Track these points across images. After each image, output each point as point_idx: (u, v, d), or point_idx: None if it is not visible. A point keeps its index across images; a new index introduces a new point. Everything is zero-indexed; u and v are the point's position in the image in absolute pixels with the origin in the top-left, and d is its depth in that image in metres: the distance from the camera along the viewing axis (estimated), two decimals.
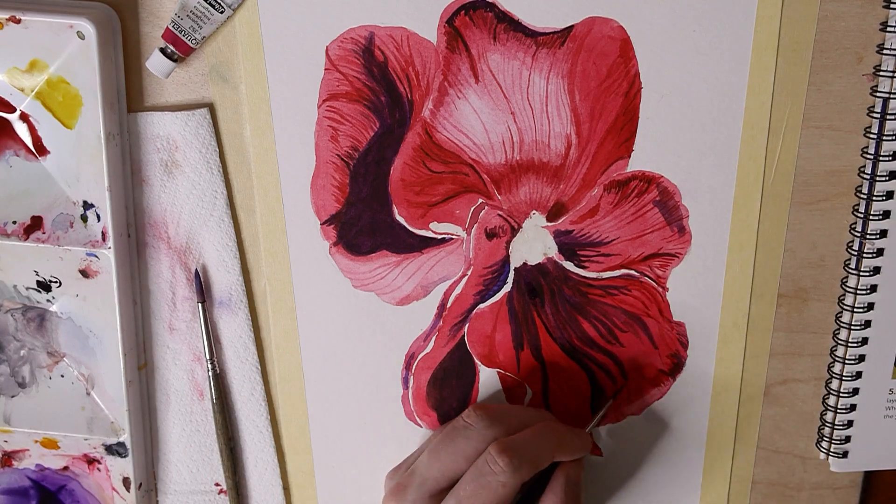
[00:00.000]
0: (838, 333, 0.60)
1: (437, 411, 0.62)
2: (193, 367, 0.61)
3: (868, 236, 0.57)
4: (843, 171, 0.57)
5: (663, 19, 0.54)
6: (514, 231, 0.58)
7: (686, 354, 0.61)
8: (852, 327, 0.59)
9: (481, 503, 0.52)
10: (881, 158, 0.56)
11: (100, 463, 0.61)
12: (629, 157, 0.57)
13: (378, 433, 0.63)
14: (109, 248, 0.56)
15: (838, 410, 0.61)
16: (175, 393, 0.61)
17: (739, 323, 0.60)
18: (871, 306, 0.59)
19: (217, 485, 0.63)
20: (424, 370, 0.61)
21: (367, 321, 0.60)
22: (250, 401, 0.62)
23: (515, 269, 0.59)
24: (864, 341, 0.60)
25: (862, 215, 0.57)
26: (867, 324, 0.59)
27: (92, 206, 0.56)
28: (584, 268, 0.59)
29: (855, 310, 0.59)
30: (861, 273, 0.58)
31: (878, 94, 0.55)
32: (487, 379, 0.62)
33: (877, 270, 0.58)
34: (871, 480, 0.65)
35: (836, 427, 0.62)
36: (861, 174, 0.57)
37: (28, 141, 0.55)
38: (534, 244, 0.59)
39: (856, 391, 0.61)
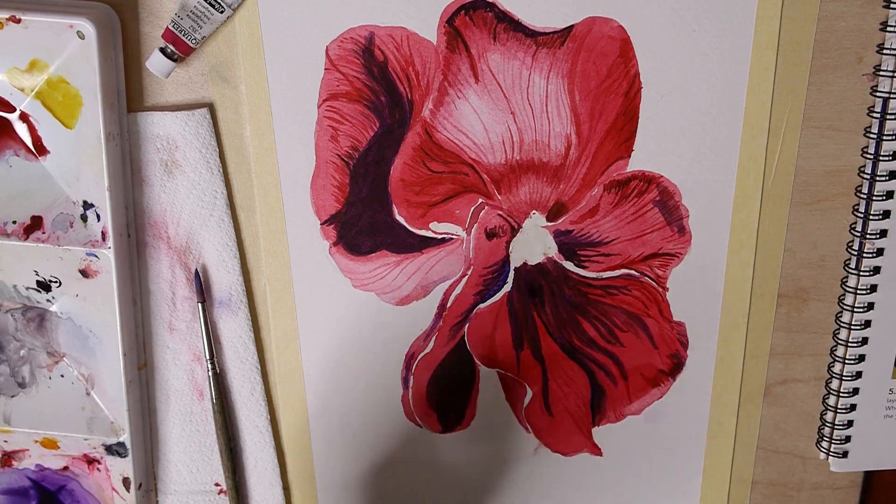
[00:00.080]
0: (838, 333, 0.60)
1: (437, 411, 0.62)
2: (193, 367, 0.61)
3: (868, 236, 0.57)
4: (843, 171, 0.57)
5: (663, 19, 0.54)
6: (514, 231, 0.58)
7: (686, 354, 0.61)
8: (852, 327, 0.59)
9: None
10: (881, 158, 0.56)
11: (100, 463, 0.61)
12: (629, 157, 0.57)
13: (378, 433, 0.63)
14: (109, 248, 0.56)
15: (838, 410, 0.61)
16: (175, 393, 0.61)
17: (739, 323, 0.60)
18: (871, 306, 0.59)
19: (217, 485, 0.63)
20: (424, 370, 0.61)
21: (367, 321, 0.60)
22: (250, 401, 0.62)
23: (515, 269, 0.59)
24: (864, 341, 0.60)
25: (862, 215, 0.57)
26: (867, 324, 0.59)
27: (92, 206, 0.56)
28: (584, 268, 0.59)
29: (855, 310, 0.59)
30: (861, 273, 0.58)
31: (878, 94, 0.55)
32: (487, 379, 0.62)
33: (877, 270, 0.58)
34: (871, 480, 0.65)
35: (836, 427, 0.62)
36: (861, 174, 0.57)
37: (28, 141, 0.55)
38: (534, 244, 0.59)
39: (856, 391, 0.61)
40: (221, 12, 0.53)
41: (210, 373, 0.60)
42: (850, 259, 0.59)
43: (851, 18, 0.54)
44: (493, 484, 0.64)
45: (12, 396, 0.61)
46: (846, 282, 0.59)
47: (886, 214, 0.57)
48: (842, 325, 0.60)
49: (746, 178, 0.57)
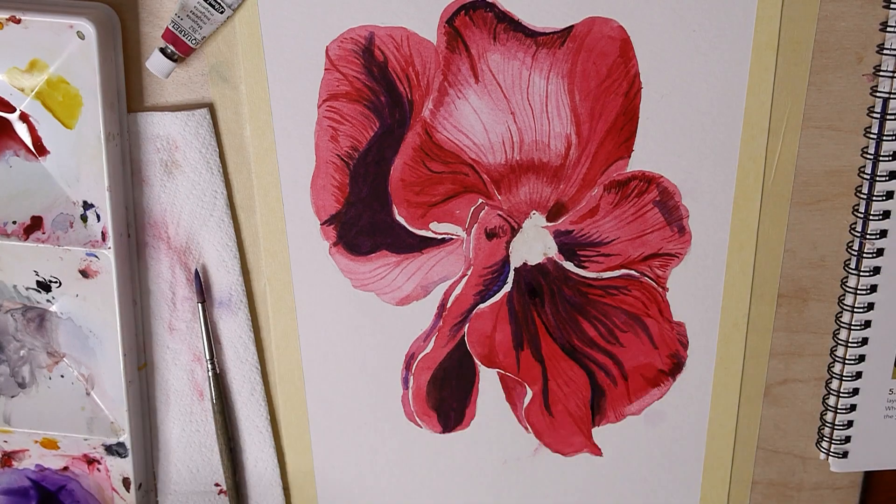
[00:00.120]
0: (838, 333, 0.60)
1: (437, 411, 0.62)
2: (193, 367, 0.61)
3: (868, 236, 0.57)
4: (843, 171, 0.57)
5: (663, 19, 0.54)
6: (514, 231, 0.58)
7: (686, 354, 0.61)
8: (852, 327, 0.59)
9: None
10: (881, 158, 0.56)
11: (100, 463, 0.61)
12: (629, 157, 0.57)
13: (378, 433, 0.63)
14: (109, 248, 0.56)
15: (838, 410, 0.61)
16: (175, 393, 0.61)
17: (739, 323, 0.60)
18: (871, 306, 0.59)
19: (217, 485, 0.63)
20: (424, 370, 0.61)
21: (367, 321, 0.60)
22: (250, 401, 0.62)
23: (515, 269, 0.59)
24: (864, 341, 0.60)
25: (862, 215, 0.57)
26: (867, 324, 0.59)
27: (92, 206, 0.56)
28: (584, 268, 0.59)
29: (855, 310, 0.59)
30: (861, 273, 0.58)
31: (878, 94, 0.55)
32: (487, 379, 0.62)
33: (877, 270, 0.58)
34: (871, 480, 0.65)
35: (836, 427, 0.62)
36: (861, 174, 0.57)
37: (28, 141, 0.55)
38: (534, 244, 0.59)
39: (856, 391, 0.61)
40: (221, 12, 0.53)
41: (210, 373, 0.60)
42: (850, 259, 0.59)
43: (851, 18, 0.54)
44: (493, 484, 0.64)
45: (12, 396, 0.61)
46: (846, 282, 0.59)
47: (886, 214, 0.57)
48: (842, 325, 0.60)
49: (746, 178, 0.57)
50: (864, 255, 0.58)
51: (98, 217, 0.56)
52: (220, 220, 0.58)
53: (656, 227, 0.58)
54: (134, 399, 0.59)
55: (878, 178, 0.56)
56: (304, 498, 0.64)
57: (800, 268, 0.59)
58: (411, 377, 0.62)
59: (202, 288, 0.59)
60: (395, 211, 0.58)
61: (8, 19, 0.52)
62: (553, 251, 0.59)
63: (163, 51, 0.54)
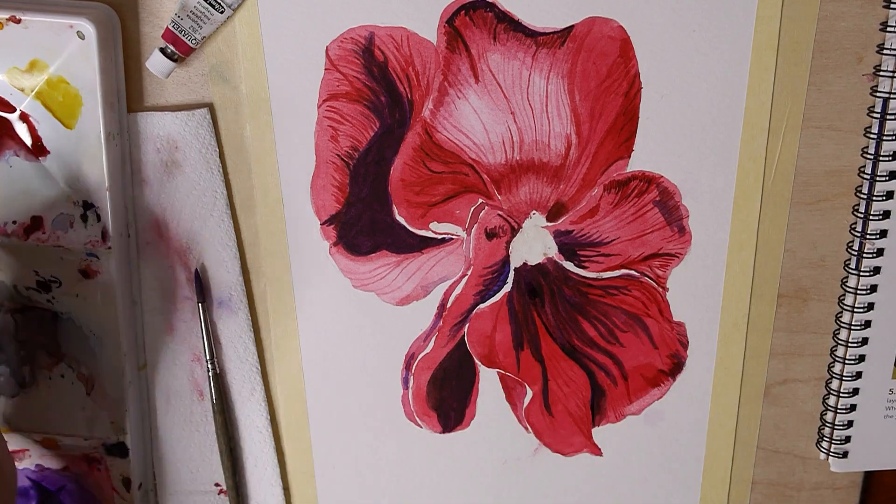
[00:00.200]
0: (838, 333, 0.60)
1: (437, 411, 0.62)
2: (193, 368, 0.61)
3: (868, 236, 0.57)
4: (843, 171, 0.57)
5: (663, 19, 0.54)
6: (514, 231, 0.58)
7: (686, 354, 0.61)
8: (852, 327, 0.59)
9: None
10: (881, 158, 0.56)
11: (100, 463, 0.61)
12: (629, 157, 0.57)
13: (378, 433, 0.63)
14: (109, 248, 0.56)
15: (838, 410, 0.61)
16: (175, 393, 0.61)
17: (739, 323, 0.60)
18: (871, 306, 0.59)
19: (217, 485, 0.63)
20: (424, 370, 0.61)
21: (367, 321, 0.60)
22: (250, 401, 0.62)
23: (515, 269, 0.59)
24: (864, 341, 0.60)
25: (862, 215, 0.57)
26: (867, 324, 0.59)
27: (92, 206, 0.56)
28: (584, 268, 0.59)
29: (855, 310, 0.59)
30: (861, 273, 0.58)
31: (878, 94, 0.55)
32: (487, 379, 0.62)
33: (877, 270, 0.58)
34: (871, 480, 0.65)
35: (836, 427, 0.62)
36: (861, 174, 0.57)
37: (28, 141, 0.55)
38: (534, 244, 0.59)
39: (856, 391, 0.61)
40: (221, 12, 0.53)
41: (210, 373, 0.60)
42: (850, 259, 0.59)
43: (851, 18, 0.54)
44: (493, 484, 0.64)
45: (12, 396, 0.61)
46: (846, 282, 0.59)
47: (886, 214, 0.57)
48: (842, 325, 0.60)
49: (746, 178, 0.57)
50: (864, 255, 0.58)
51: (98, 217, 0.56)
52: (219, 220, 0.58)
53: (656, 227, 0.58)
54: (134, 399, 0.59)
55: (878, 178, 0.56)
56: (304, 498, 0.64)
57: (800, 268, 0.59)
58: (411, 377, 0.62)
59: (202, 288, 0.59)
60: (395, 211, 0.58)
61: (8, 19, 0.52)
62: (553, 251, 0.59)
63: (163, 51, 0.54)
